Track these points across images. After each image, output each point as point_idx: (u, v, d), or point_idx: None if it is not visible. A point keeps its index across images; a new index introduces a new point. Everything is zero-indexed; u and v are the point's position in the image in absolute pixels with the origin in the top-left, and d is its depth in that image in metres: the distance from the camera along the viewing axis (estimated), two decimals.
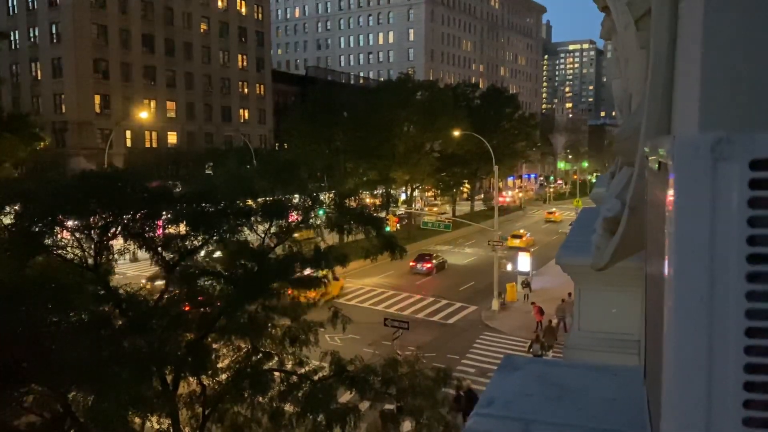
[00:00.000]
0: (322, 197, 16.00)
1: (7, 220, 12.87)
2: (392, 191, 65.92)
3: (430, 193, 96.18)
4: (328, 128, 57.75)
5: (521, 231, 60.08)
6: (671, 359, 1.16)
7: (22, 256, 12.29)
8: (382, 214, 19.64)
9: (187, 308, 14.05)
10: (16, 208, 12.97)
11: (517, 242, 54.13)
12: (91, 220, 13.04)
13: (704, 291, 1.14)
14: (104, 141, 56.62)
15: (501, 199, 75.81)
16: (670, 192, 1.17)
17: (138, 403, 10.32)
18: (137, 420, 11.81)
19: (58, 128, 61.41)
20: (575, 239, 4.92)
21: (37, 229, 12.48)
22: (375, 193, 59.50)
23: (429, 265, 46.13)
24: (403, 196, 76.62)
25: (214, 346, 14.44)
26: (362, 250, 16.46)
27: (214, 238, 14.02)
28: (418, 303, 38.63)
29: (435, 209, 79.34)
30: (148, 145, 66.35)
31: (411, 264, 45.33)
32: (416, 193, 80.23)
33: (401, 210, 63.14)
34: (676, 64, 1.88)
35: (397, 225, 57.09)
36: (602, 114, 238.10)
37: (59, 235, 12.99)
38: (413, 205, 74.88)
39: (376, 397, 14.28)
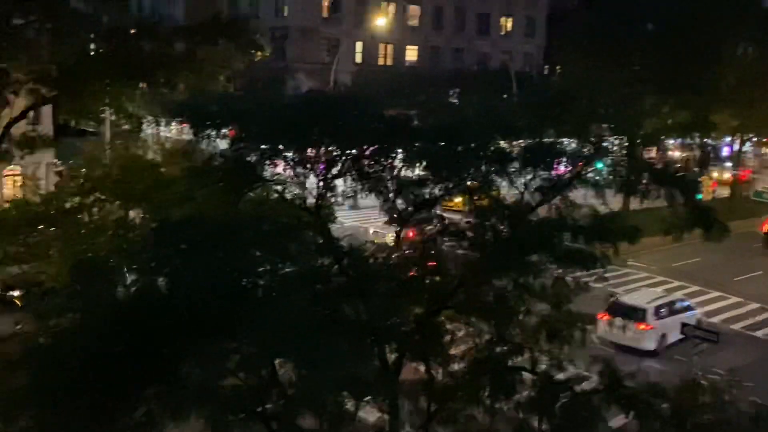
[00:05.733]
0: (606, 144, 15.71)
1: (223, 145, 14.66)
2: (711, 142, 61.87)
3: None
4: (624, 46, 55.48)
5: None
6: None
7: (237, 189, 14.03)
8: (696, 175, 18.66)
9: (411, 274, 14.90)
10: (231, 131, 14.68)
11: None
12: (314, 152, 14.35)
13: None
14: (330, 54, 61.11)
15: None
16: None
17: (356, 384, 11.34)
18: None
19: (278, 35, 67.58)
20: None
21: (254, 158, 14.09)
22: (684, 143, 56.47)
23: None
24: (724, 150, 71.53)
25: (448, 326, 15.21)
26: (659, 222, 15.88)
27: (459, 187, 14.59)
28: (737, 307, 36.99)
29: None
30: (381, 61, 70.12)
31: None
32: (747, 146, 74.24)
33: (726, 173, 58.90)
34: None
35: (713, 193, 53.62)
36: None
37: (277, 167, 14.54)
38: (740, 166, 69.54)
39: (663, 429, 13.97)
